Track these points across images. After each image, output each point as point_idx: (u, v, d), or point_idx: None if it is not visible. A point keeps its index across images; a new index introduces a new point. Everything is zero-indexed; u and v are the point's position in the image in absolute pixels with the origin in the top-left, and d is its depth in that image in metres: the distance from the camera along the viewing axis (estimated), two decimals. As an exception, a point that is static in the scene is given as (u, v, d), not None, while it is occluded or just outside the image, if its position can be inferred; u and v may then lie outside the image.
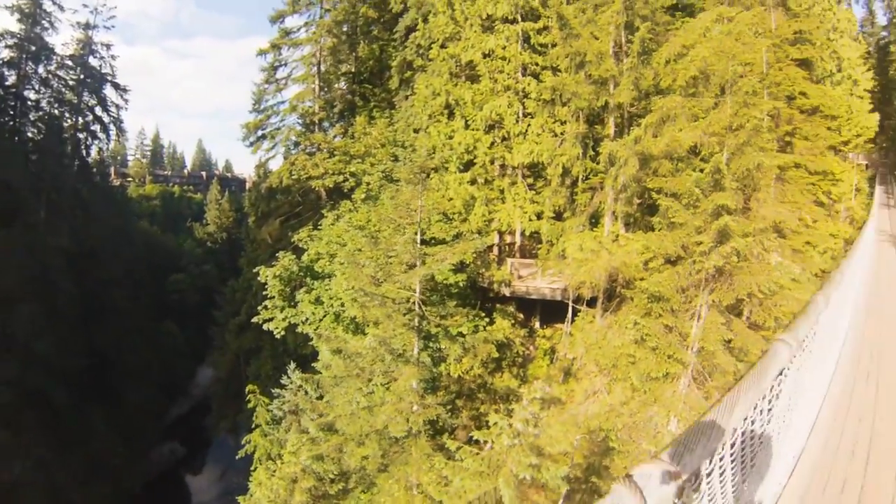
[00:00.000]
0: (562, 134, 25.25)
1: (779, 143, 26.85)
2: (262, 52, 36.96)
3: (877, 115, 39.24)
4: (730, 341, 18.12)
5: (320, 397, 20.47)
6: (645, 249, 20.48)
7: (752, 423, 2.21)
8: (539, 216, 26.55)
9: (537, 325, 27.57)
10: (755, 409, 2.29)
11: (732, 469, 2.24)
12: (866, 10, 72.78)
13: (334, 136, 37.22)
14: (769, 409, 2.75)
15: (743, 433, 2.23)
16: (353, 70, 40.11)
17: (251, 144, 37.55)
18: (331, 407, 18.66)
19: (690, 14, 26.29)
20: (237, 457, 24.12)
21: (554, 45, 25.18)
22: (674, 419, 18.58)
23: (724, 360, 17.68)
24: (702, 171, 19.23)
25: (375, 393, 18.63)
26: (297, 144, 36.90)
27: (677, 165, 21.56)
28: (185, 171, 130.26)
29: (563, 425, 19.41)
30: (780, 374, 2.70)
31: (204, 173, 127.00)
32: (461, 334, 20.61)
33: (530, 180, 27.89)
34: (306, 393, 20.78)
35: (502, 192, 27.30)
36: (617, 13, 22.94)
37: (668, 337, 19.17)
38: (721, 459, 1.90)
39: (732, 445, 1.94)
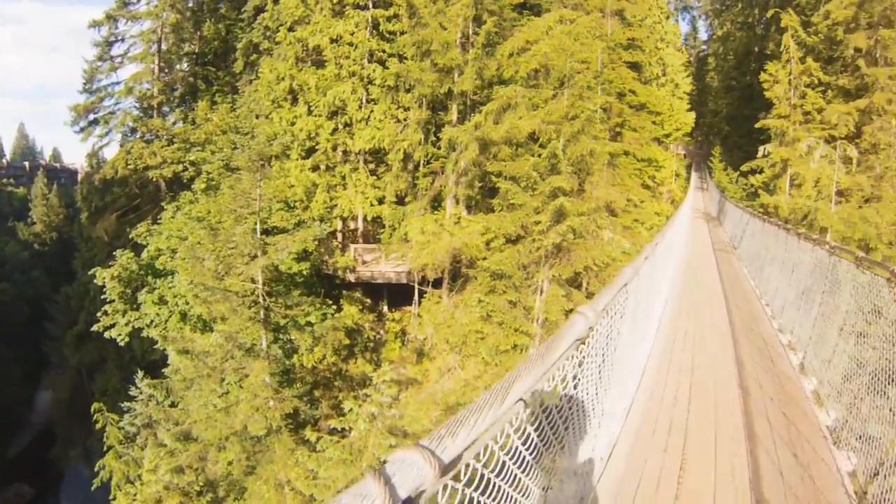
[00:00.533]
0: (405, 120, 25.64)
1: (610, 132, 28.89)
2: (95, 24, 33.44)
3: (693, 114, 44.54)
4: (571, 311, 19.25)
5: (174, 404, 19.37)
6: (486, 230, 21.33)
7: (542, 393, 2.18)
8: (381, 201, 26.75)
9: (385, 309, 27.82)
10: (550, 379, 2.30)
11: (528, 441, 2.23)
12: (690, 27, 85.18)
13: (174, 122, 35.10)
14: (574, 377, 2.77)
15: (538, 406, 2.25)
16: (196, 50, 37.81)
17: (81, 130, 34.23)
18: (186, 413, 17.66)
19: (537, 13, 27.44)
20: (93, 487, 20.42)
21: (403, 33, 25.48)
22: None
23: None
24: (539, 156, 20.35)
25: (231, 392, 18.01)
26: (133, 131, 33.99)
27: (517, 151, 22.49)
28: (3, 160, 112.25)
29: (421, 404, 19.86)
30: (580, 342, 2.72)
31: (27, 164, 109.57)
32: (310, 323, 20.34)
33: (372, 166, 27.97)
34: (158, 402, 19.42)
35: (344, 178, 27.17)
36: (466, 6, 23.60)
37: (513, 311, 20.25)
38: (501, 437, 1.84)
39: (517, 421, 1.94)
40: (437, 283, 25.16)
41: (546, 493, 2.98)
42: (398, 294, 27.29)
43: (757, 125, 31.82)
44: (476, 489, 1.75)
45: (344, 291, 25.69)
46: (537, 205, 19.17)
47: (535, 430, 2.30)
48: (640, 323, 7.28)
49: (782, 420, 6.48)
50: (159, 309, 23.10)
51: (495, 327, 20.51)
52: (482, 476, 1.79)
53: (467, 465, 1.60)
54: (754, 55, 45.65)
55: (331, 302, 23.55)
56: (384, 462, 1.33)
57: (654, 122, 34.01)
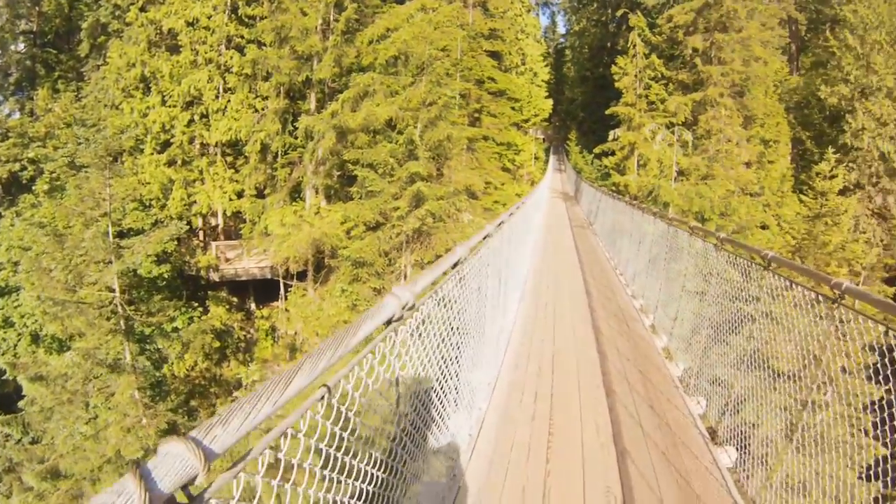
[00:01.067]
0: (263, 110, 24.98)
1: (469, 118, 29.75)
2: None
3: (551, 101, 46.85)
4: (436, 293, 19.74)
5: (35, 440, 17.47)
6: (345, 219, 21.24)
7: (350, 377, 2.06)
8: (240, 195, 25.91)
9: (253, 306, 27.10)
10: (360, 364, 2.17)
11: (350, 427, 2.17)
12: (550, 21, 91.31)
13: (9, 114, 31.49)
14: (398, 357, 2.67)
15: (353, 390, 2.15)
16: (34, 29, 34.01)
17: None
18: (51, 448, 15.89)
19: (400, 1, 27.49)
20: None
21: (263, 18, 24.75)
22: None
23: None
24: (397, 142, 20.66)
25: (98, 416, 16.26)
26: (-44, 124, 29.78)
27: (375, 138, 22.52)
28: None
29: (301, 399, 19.58)
30: (399, 322, 2.61)
31: None
32: (176, 329, 19.59)
33: (231, 158, 26.94)
34: (17, 441, 17.48)
35: (202, 172, 25.85)
36: (328, -8, 23.17)
37: (378, 298, 20.36)
38: (304, 424, 1.80)
39: (322, 406, 1.90)
40: (302, 276, 24.77)
41: (404, 475, 3.00)
42: (265, 290, 26.67)
43: (607, 111, 33.77)
44: (280, 479, 1.68)
45: (209, 292, 24.86)
46: (395, 191, 19.43)
47: (357, 415, 2.19)
48: (501, 299, 7.59)
49: (638, 376, 6.99)
50: (5, 332, 20.88)
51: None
52: (287, 464, 1.70)
53: (263, 454, 1.55)
54: (607, 50, 48.06)
55: (196, 304, 22.83)
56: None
57: (513, 108, 35.35)
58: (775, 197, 33.51)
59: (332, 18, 24.29)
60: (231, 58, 25.18)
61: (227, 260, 26.13)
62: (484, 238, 5.95)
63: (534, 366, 7.30)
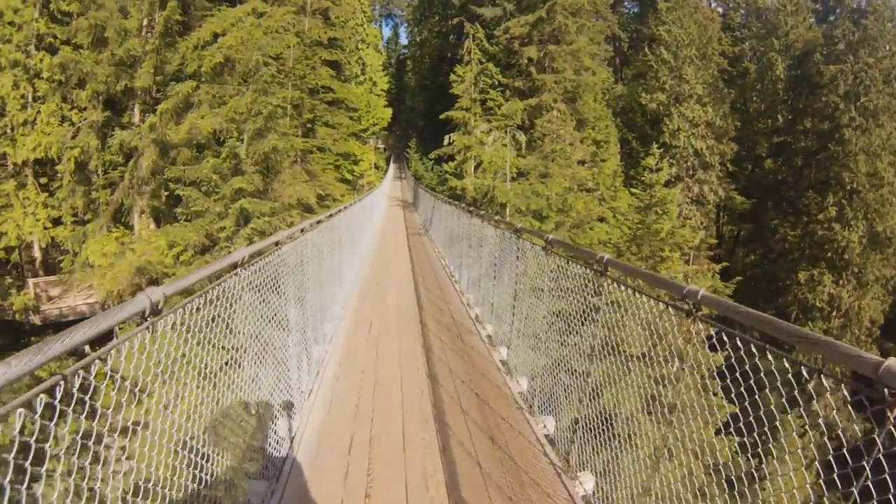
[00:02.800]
0: (80, 122, 21.91)
1: (303, 128, 28.21)
2: None
3: (391, 110, 46.30)
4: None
5: None
6: (172, 244, 18.99)
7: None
8: (57, 222, 22.56)
9: (88, 349, 23.48)
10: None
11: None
12: (393, 32, 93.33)
13: None
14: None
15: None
16: None
17: None
18: None
19: (233, 3, 25.40)
20: None
21: (80, 15, 21.49)
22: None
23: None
24: (222, 157, 19.15)
25: None
26: None
27: (202, 153, 20.60)
28: None
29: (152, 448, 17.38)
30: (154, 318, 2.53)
31: None
32: None
33: (45, 179, 23.43)
34: None
35: (9, 196, 22.14)
36: (150, -12, 20.82)
37: (212, 325, 18.54)
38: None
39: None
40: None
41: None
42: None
43: (441, 116, 33.38)
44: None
45: (33, 338, 21.01)
46: (221, 210, 17.62)
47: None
48: (310, 318, 6.75)
49: (475, 401, 6.30)
50: None
51: (197, 347, 18.33)
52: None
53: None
54: (446, 60, 48.29)
55: (17, 355, 19.20)
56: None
57: (351, 118, 34.17)
58: (609, 192, 36.05)
59: (156, 20, 21.79)
60: (41, 60, 21.68)
61: (50, 298, 22.68)
62: (276, 244, 5.19)
63: (350, 403, 6.24)
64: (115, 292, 19.00)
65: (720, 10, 51.74)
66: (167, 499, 2.76)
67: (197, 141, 19.82)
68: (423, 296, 11.76)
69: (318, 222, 7.87)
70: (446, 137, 31.22)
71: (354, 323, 9.63)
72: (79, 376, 2.02)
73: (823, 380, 2.17)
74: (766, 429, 2.57)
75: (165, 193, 21.51)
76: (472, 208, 12.20)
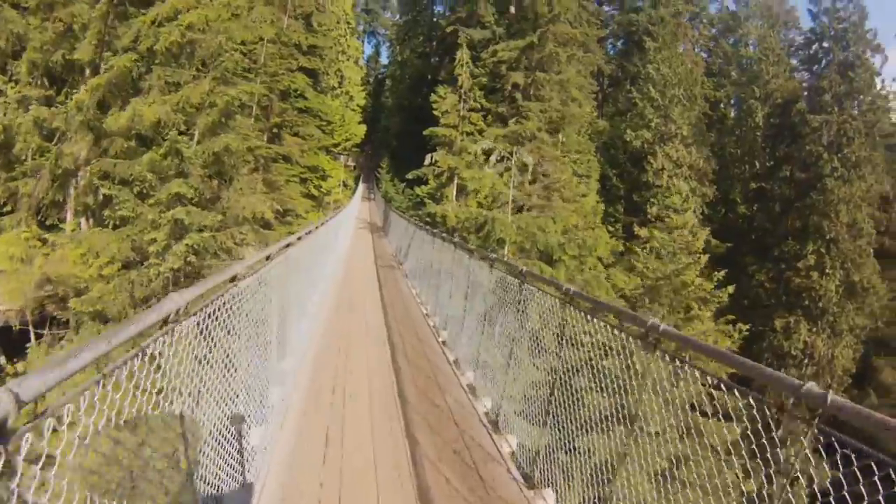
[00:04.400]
0: (13, 96, 17.60)
1: (268, 133, 24.25)
2: None
3: (365, 127, 42.53)
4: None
5: None
6: (88, 250, 14.82)
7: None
8: None
9: (2, 360, 19.32)
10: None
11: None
12: (374, 50, 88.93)
13: None
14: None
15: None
16: None
17: None
18: None
19: None
20: None
21: None
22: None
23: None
24: (162, 152, 14.86)
25: None
26: None
27: (143, 146, 16.60)
28: None
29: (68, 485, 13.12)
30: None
31: None
32: None
33: None
34: None
35: None
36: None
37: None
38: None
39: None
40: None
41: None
42: (19, 339, 18.74)
43: (426, 131, 30.16)
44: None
45: None
46: (154, 217, 13.71)
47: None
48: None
49: None
50: None
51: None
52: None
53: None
54: (427, 81, 45.65)
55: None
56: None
57: (323, 131, 30.44)
58: (588, 229, 32.44)
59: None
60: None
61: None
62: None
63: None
64: (16, 310, 14.97)
65: (703, 55, 50.07)
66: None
67: (137, 131, 15.83)
68: (399, 351, 8.42)
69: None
70: (427, 157, 27.69)
71: (312, 406, 6.17)
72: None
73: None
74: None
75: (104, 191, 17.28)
76: (472, 248, 8.80)
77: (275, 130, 24.93)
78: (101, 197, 16.53)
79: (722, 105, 47.77)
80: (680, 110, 37.27)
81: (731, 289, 19.71)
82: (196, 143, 15.11)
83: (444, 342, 9.33)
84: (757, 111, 42.34)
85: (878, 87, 37.56)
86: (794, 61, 44.42)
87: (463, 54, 29.64)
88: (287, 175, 24.89)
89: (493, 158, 20.86)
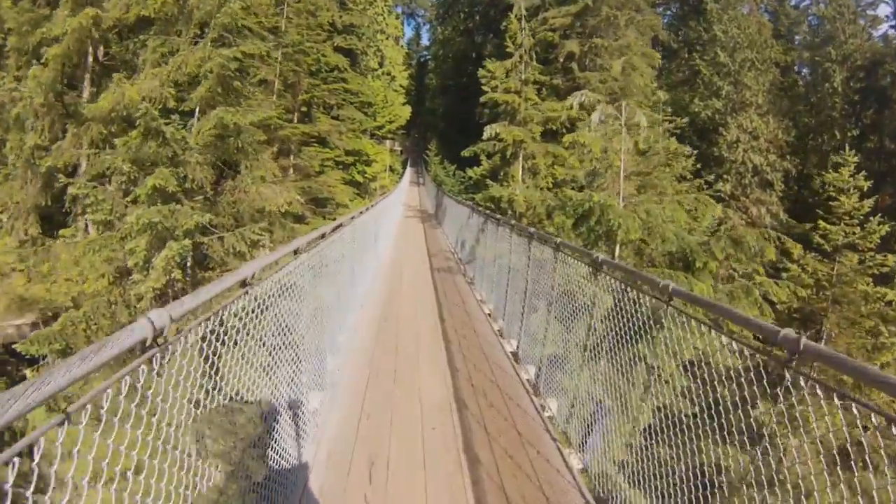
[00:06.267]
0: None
1: (297, 114, 20.42)
2: None
3: (409, 109, 38.28)
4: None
5: None
6: (53, 270, 11.66)
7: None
8: None
9: None
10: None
11: None
12: (415, 32, 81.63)
13: None
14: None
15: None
16: None
17: None
18: None
19: None
20: None
21: None
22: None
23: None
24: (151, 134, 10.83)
25: None
26: None
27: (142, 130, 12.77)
28: None
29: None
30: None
31: None
32: None
33: None
34: None
35: None
36: None
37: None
38: None
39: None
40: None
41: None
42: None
43: (483, 98, 25.22)
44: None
45: None
46: (133, 221, 10.08)
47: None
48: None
49: None
50: None
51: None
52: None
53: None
54: (471, 60, 41.48)
55: None
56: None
57: (365, 113, 26.38)
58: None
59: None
60: None
61: None
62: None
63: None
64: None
65: (766, 16, 44.27)
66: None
67: (122, 114, 11.98)
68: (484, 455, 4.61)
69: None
70: (486, 128, 23.17)
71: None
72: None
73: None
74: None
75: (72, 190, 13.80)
76: (598, 256, 4.69)
77: (304, 109, 20.86)
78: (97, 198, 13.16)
79: (794, 70, 42.06)
80: (753, 75, 32.14)
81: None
82: (197, 122, 11.48)
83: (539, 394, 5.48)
84: (835, 75, 36.61)
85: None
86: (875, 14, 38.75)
87: (518, 9, 25.29)
88: (322, 159, 20.85)
89: (595, 117, 14.70)
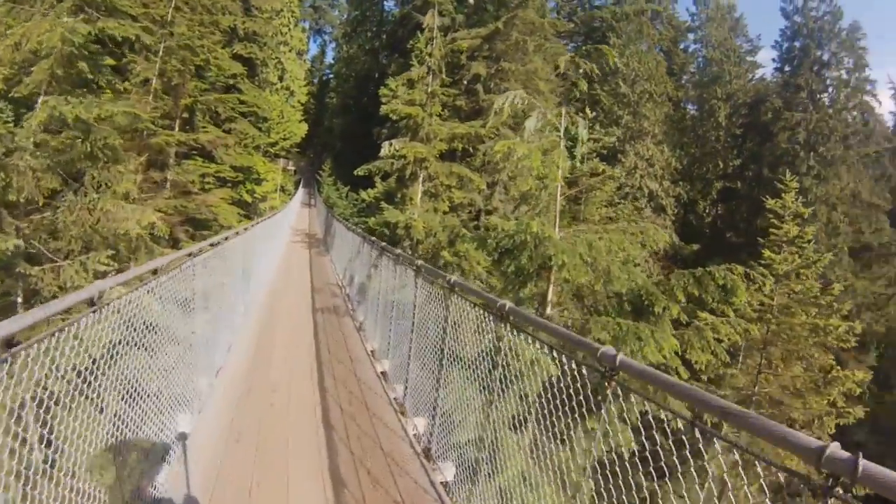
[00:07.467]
0: None
1: (180, 121, 17.81)
2: None
3: (306, 126, 35.96)
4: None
5: None
6: None
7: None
8: None
9: None
10: None
11: None
12: (320, 50, 76.94)
13: None
14: None
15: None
16: None
17: None
18: None
19: None
20: None
21: None
22: None
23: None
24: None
25: None
26: None
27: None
28: None
29: None
30: None
31: None
32: None
33: None
34: None
35: None
36: None
37: None
38: None
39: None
40: None
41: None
42: None
43: (383, 110, 22.36)
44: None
45: None
46: None
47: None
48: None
49: None
50: None
51: None
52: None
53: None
54: (374, 80, 40.14)
55: None
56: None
57: (259, 129, 23.85)
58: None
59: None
60: None
61: None
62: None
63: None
64: None
65: (662, 55, 46.33)
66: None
67: None
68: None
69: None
70: (384, 144, 20.92)
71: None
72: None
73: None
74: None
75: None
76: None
77: (185, 115, 18.24)
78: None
79: (681, 106, 44.17)
80: (651, 106, 33.09)
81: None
82: (37, 115, 8.99)
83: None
84: (720, 111, 38.82)
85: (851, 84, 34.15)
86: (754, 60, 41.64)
87: (432, 17, 23.86)
88: (203, 175, 17.91)
89: (530, 124, 11.79)
